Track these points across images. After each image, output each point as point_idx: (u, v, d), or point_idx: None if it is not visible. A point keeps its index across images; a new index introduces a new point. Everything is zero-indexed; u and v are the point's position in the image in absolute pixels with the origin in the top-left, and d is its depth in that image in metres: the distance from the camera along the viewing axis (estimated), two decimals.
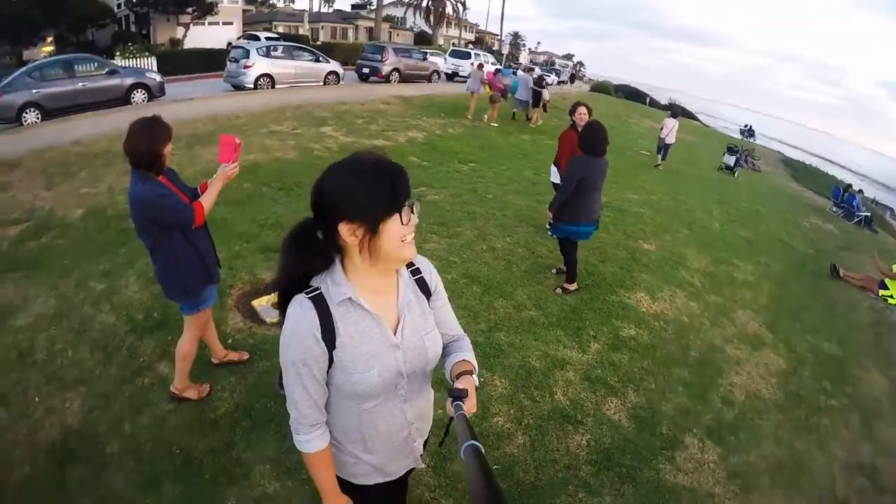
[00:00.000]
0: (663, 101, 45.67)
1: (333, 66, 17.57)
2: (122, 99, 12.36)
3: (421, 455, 1.49)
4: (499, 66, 26.16)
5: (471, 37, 59.67)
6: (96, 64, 12.39)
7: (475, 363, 1.38)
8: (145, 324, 3.66)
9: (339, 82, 17.52)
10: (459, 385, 1.22)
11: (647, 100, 42.11)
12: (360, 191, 1.11)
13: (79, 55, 12.92)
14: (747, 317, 5.29)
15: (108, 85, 12.19)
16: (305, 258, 1.22)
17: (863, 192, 16.54)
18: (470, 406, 1.15)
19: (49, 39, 23.90)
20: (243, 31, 30.11)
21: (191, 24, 26.19)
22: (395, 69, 19.70)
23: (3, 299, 3.94)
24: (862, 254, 9.75)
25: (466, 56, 25.00)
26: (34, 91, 10.96)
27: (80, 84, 11.67)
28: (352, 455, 1.37)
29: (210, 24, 27.49)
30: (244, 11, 34.22)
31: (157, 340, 3.49)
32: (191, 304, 2.72)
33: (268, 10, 49.55)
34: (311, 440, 1.29)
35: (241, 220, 5.51)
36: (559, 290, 4.81)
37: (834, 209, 14.12)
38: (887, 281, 7.04)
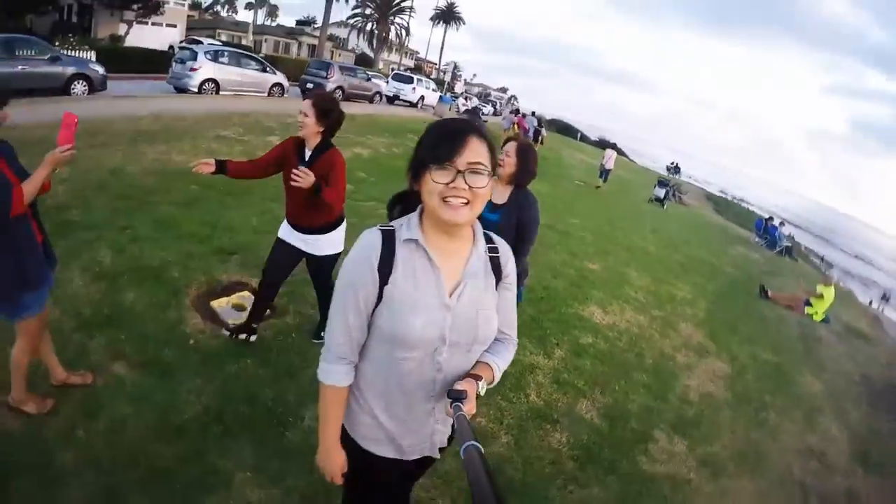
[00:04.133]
0: (593, 137, 48.21)
1: (279, 77, 17.26)
2: (61, 89, 11.35)
3: (440, 448, 1.43)
4: (440, 94, 27.00)
5: (410, 63, 60.46)
6: (38, 48, 11.23)
7: (498, 370, 1.34)
8: (94, 320, 3.30)
9: (283, 95, 17.22)
10: (459, 386, 1.20)
11: (579, 135, 44.22)
12: (427, 142, 1.21)
13: (21, 36, 11.64)
14: (690, 329, 5.77)
15: (49, 72, 11.16)
16: (405, 207, 1.34)
17: (784, 224, 18.08)
18: (469, 407, 1.15)
19: None
20: (186, 35, 29.00)
21: (134, 22, 24.93)
22: (339, 87, 19.68)
23: None
24: (785, 278, 10.72)
25: (409, 80, 25.68)
26: None
27: (20, 67, 10.61)
28: (370, 414, 1.33)
29: (154, 24, 26.29)
30: (188, 16, 33.04)
31: (108, 338, 3.15)
32: (7, 310, 2.26)
33: (211, 17, 48.17)
34: (331, 371, 1.29)
35: (190, 220, 5.20)
36: None
37: (757, 239, 15.31)
38: (812, 299, 7.84)
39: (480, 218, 3.05)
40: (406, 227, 1.25)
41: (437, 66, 61.91)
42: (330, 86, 19.01)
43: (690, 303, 6.71)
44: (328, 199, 2.75)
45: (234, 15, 50.93)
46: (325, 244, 3.05)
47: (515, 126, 18.86)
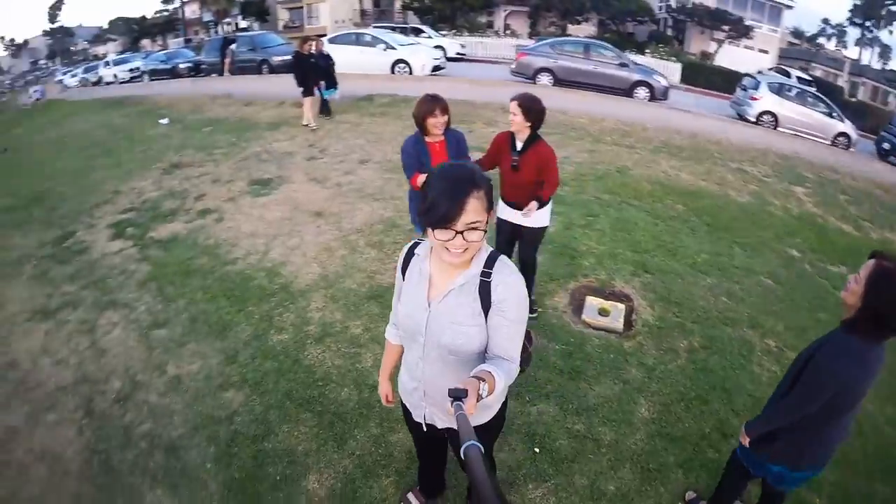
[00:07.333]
0: None
1: (847, 127, 14.63)
2: (625, 91, 13.34)
3: (438, 427, 1.78)
4: None
5: None
6: (611, 54, 13.73)
7: (499, 378, 1.35)
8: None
9: (848, 148, 14.59)
10: (460, 385, 1.22)
11: None
12: (430, 199, 1.35)
13: (598, 42, 14.51)
14: None
15: (616, 75, 13.37)
16: None
17: None
18: (469, 407, 1.15)
19: (591, 22, 27.69)
20: (777, 64, 28.13)
21: (724, 42, 26.12)
22: None
23: None
24: None
25: None
26: (552, 60, 13.36)
27: (592, 66, 13.26)
28: (401, 370, 1.83)
29: (745, 47, 26.80)
30: (790, 44, 31.76)
31: None
32: (419, 228, 3.50)
33: (811, 47, 44.34)
34: (387, 330, 1.89)
35: (644, 230, 5.53)
36: None
37: None
38: None
39: None
40: (424, 244, 1.64)
41: None
42: None
43: None
44: (548, 196, 3.40)
45: (841, 49, 44.83)
46: (537, 216, 3.43)
47: None
